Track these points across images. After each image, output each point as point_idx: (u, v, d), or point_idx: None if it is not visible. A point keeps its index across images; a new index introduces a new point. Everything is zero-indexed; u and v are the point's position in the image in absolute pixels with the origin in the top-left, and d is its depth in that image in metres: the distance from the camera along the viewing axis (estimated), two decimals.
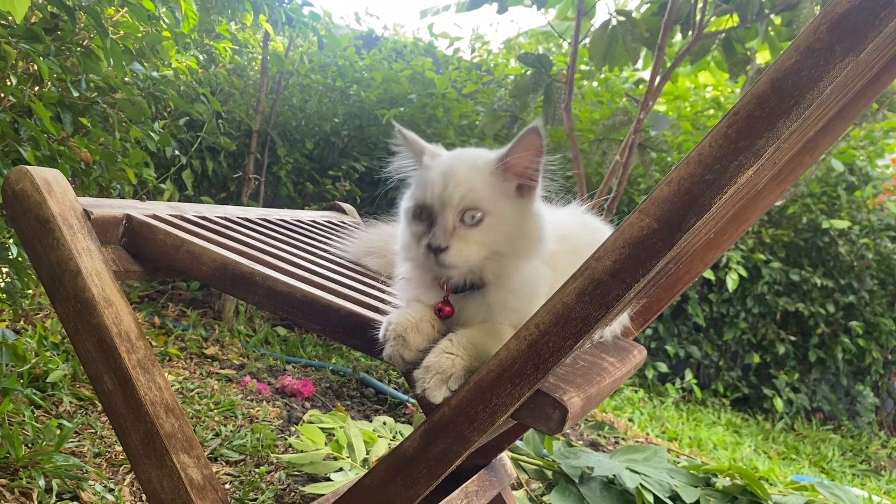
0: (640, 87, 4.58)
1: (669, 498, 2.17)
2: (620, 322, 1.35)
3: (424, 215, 0.98)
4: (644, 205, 0.75)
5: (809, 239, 4.89)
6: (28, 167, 0.99)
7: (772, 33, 3.06)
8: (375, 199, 4.58)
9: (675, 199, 0.74)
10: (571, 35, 3.28)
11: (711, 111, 5.16)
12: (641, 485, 2.15)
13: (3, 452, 1.71)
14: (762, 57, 3.51)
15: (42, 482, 1.66)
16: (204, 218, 1.26)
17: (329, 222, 1.71)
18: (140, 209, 1.14)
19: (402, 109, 4.45)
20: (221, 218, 1.32)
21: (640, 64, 3.77)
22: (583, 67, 4.77)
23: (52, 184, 1.00)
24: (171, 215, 1.18)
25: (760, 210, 1.40)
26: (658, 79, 2.98)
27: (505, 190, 0.99)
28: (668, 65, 3.13)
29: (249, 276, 1.02)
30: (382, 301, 1.11)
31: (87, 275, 0.97)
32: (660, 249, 0.74)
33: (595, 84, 5.15)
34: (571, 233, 1.13)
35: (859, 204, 4.95)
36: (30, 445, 1.82)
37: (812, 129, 1.13)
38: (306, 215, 1.68)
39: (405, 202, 1.04)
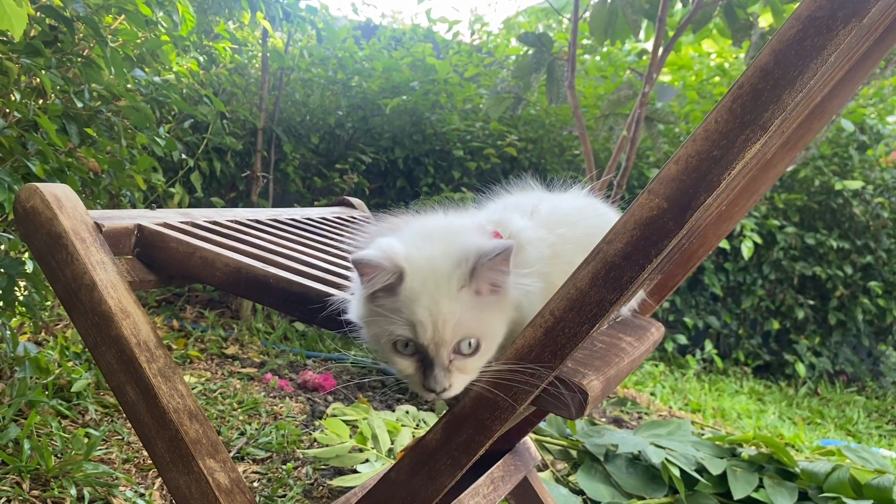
0: (644, 58, 4.54)
1: (696, 471, 2.18)
2: (636, 297, 1.35)
3: (410, 349, 0.89)
4: (652, 185, 0.75)
5: (823, 201, 4.85)
6: (37, 184, 1.00)
7: None
8: (384, 190, 4.58)
9: (684, 177, 0.73)
10: (570, 11, 3.24)
11: (717, 79, 5.12)
12: (667, 459, 2.15)
13: (33, 464, 1.74)
14: (765, 20, 3.46)
15: (73, 491, 1.68)
16: (214, 223, 1.26)
17: (339, 218, 1.71)
18: (150, 218, 1.15)
19: (404, 98, 4.44)
20: (232, 221, 1.32)
21: (641, 36, 3.73)
22: (584, 42, 4.73)
23: (63, 199, 1.01)
24: (181, 222, 1.18)
25: (771, 179, 1.39)
26: (661, 50, 2.96)
27: (484, 300, 0.89)
28: (671, 35, 3.09)
29: (263, 279, 1.02)
30: None
31: (103, 287, 0.98)
32: (671, 229, 0.74)
33: (598, 58, 5.11)
34: (574, 217, 1.12)
35: (872, 163, 4.90)
36: (59, 455, 1.85)
37: (819, 95, 1.12)
38: (316, 212, 1.68)
39: (374, 324, 0.91)
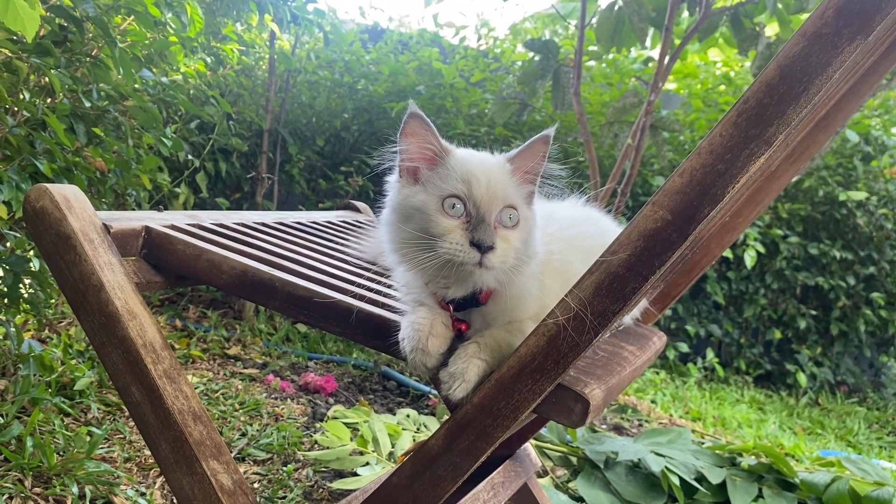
0: (650, 65, 4.55)
1: (695, 479, 2.18)
2: (639, 306, 1.36)
3: (458, 210, 0.93)
4: (657, 197, 0.75)
5: (827, 212, 4.85)
6: (47, 185, 1.01)
7: (780, 6, 3.03)
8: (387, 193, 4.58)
9: (688, 190, 0.74)
10: (577, 16, 3.25)
11: (722, 87, 5.12)
12: (667, 467, 2.15)
13: (35, 461, 1.75)
14: (771, 30, 3.47)
15: (75, 489, 1.69)
16: (221, 225, 1.27)
17: (344, 222, 1.72)
18: (158, 220, 1.16)
19: (410, 102, 4.44)
20: (238, 224, 1.33)
21: (648, 43, 3.74)
22: (590, 49, 4.74)
23: (72, 200, 1.02)
24: (188, 224, 1.19)
25: (775, 191, 1.40)
26: (667, 58, 2.96)
27: (522, 193, 0.99)
28: (677, 43, 3.10)
29: (269, 283, 1.03)
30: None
31: (110, 288, 0.99)
32: (675, 241, 0.75)
33: (603, 66, 5.12)
34: (572, 225, 1.13)
35: (876, 174, 4.90)
36: (61, 453, 1.86)
37: (824, 109, 1.13)
38: (321, 216, 1.69)
39: (419, 194, 0.96)
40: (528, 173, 1.00)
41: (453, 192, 0.93)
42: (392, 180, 1.02)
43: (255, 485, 1.99)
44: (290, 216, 1.57)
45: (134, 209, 2.57)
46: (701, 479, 2.21)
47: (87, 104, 1.98)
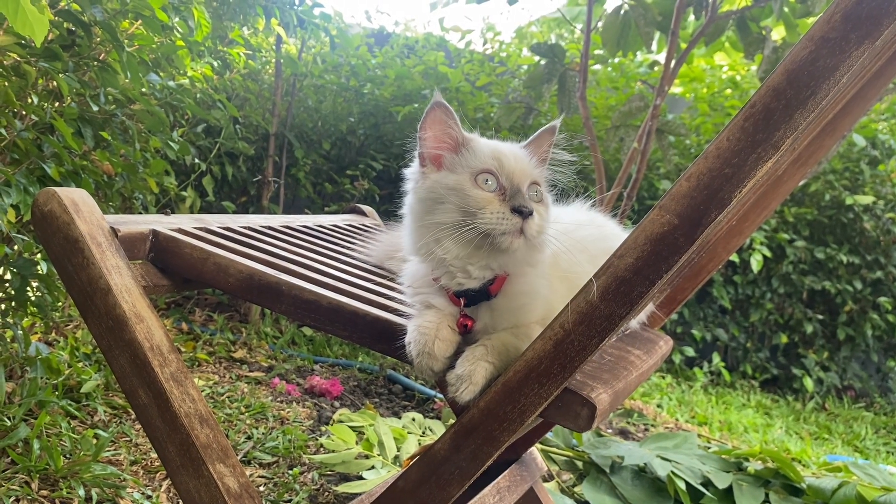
0: (655, 69, 4.55)
1: (702, 484, 2.17)
2: (645, 310, 1.35)
3: (492, 184, 0.96)
4: (664, 201, 0.75)
5: (833, 216, 4.83)
6: (55, 189, 1.01)
7: (786, 10, 3.02)
8: (394, 196, 4.59)
9: (695, 194, 0.74)
10: (583, 20, 3.25)
11: (728, 91, 5.11)
12: (673, 472, 2.15)
13: (42, 464, 1.75)
14: (777, 34, 3.46)
15: (82, 492, 1.69)
16: (228, 229, 1.28)
17: (350, 226, 1.73)
18: (165, 223, 1.16)
19: (416, 106, 4.46)
20: (245, 228, 1.34)
21: (654, 47, 3.74)
22: (596, 53, 4.75)
23: (80, 203, 1.02)
24: (195, 228, 1.20)
25: (782, 195, 1.39)
26: (673, 62, 2.96)
27: (541, 175, 1.05)
28: (683, 47, 3.10)
29: (276, 286, 1.03)
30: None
31: (118, 292, 0.99)
32: (682, 245, 0.75)
33: (609, 69, 5.12)
34: (577, 228, 1.13)
35: (883, 178, 4.88)
36: (68, 456, 1.86)
37: (831, 113, 1.12)
38: (328, 220, 1.69)
39: (449, 176, 0.98)
40: (539, 161, 1.05)
41: (486, 168, 0.97)
42: (412, 171, 1.05)
43: (261, 488, 1.99)
44: (296, 220, 1.57)
45: (141, 213, 2.58)
46: (707, 483, 2.20)
47: (95, 108, 1.99)
